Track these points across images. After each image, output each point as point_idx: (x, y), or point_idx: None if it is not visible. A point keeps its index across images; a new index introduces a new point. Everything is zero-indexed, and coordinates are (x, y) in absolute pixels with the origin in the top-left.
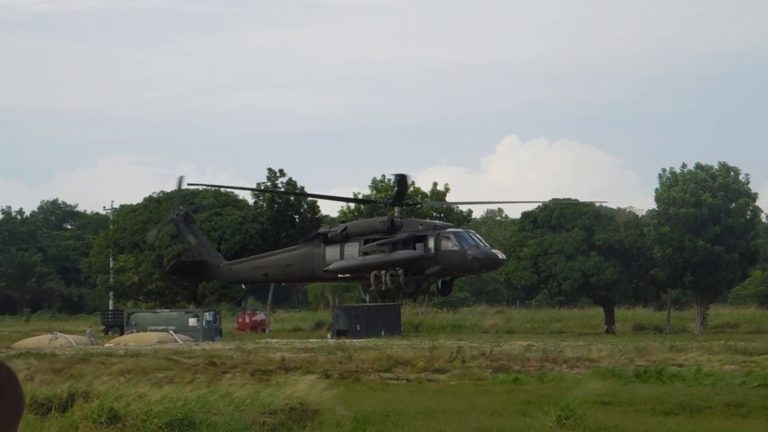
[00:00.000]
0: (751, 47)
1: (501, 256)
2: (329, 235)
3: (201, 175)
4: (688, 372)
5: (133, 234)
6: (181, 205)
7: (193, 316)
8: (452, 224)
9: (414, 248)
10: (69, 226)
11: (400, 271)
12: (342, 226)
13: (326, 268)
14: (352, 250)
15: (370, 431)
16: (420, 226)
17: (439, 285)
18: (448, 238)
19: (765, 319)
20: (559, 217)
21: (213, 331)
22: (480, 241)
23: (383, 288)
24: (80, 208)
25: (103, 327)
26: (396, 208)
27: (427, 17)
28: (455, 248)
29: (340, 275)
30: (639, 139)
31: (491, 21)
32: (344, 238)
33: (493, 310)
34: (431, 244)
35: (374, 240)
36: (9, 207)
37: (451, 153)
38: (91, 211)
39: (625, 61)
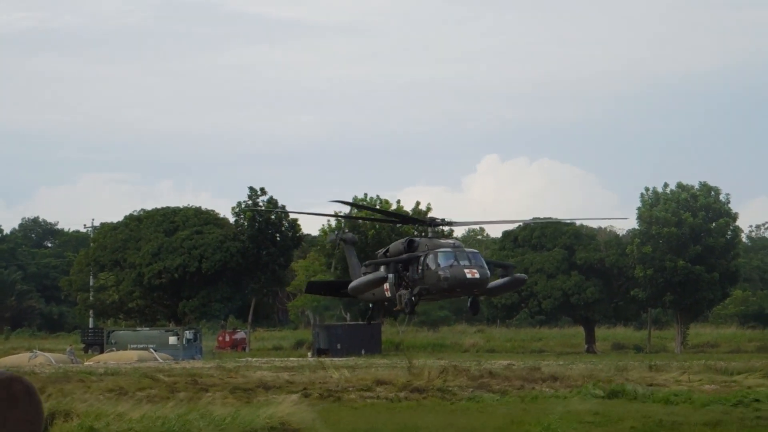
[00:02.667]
0: (729, 67)
1: (472, 275)
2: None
3: (181, 193)
4: (667, 392)
5: (114, 252)
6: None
7: (173, 335)
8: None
9: (408, 269)
10: (49, 244)
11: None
12: (385, 248)
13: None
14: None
15: None
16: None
17: (469, 303)
18: (432, 257)
19: (745, 339)
20: (539, 236)
21: (193, 350)
22: (470, 260)
23: (395, 308)
24: (60, 226)
25: (83, 345)
26: (429, 228)
27: (407, 36)
28: (433, 267)
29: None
30: (619, 158)
31: (471, 40)
32: (385, 258)
33: (473, 329)
34: (420, 263)
35: (394, 261)
36: None
37: (431, 172)
38: (72, 229)
39: (606, 80)
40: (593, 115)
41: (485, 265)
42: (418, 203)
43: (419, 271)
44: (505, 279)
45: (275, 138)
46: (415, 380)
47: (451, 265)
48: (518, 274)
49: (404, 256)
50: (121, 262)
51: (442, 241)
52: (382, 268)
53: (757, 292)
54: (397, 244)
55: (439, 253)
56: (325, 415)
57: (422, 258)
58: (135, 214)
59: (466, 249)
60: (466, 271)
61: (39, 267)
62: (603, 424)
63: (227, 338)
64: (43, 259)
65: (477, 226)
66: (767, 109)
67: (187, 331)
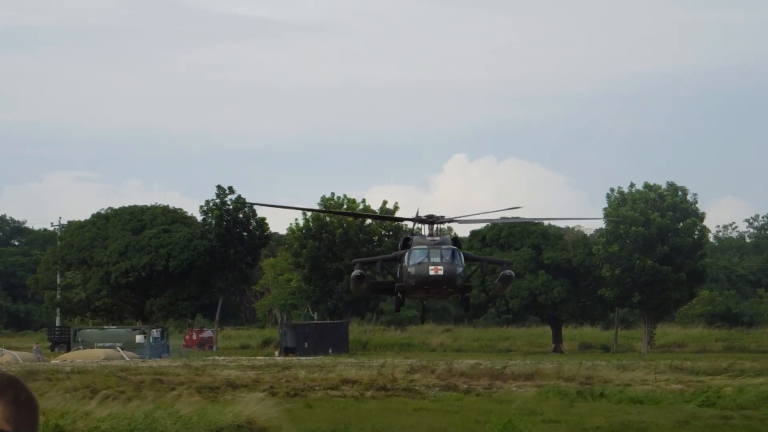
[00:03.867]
0: (696, 68)
1: (435, 272)
2: None
3: (148, 192)
4: (633, 392)
5: (81, 250)
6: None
7: (140, 333)
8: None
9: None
10: (16, 243)
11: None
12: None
13: None
14: None
15: None
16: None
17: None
18: (407, 255)
19: (712, 339)
20: (507, 236)
21: (160, 348)
22: (442, 257)
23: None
24: (28, 225)
25: (50, 343)
26: (426, 226)
27: (377, 37)
28: (406, 265)
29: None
30: (586, 158)
31: (440, 41)
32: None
33: (441, 329)
34: (400, 261)
35: (382, 260)
36: None
37: (399, 171)
38: (39, 228)
39: (573, 81)
40: (561, 115)
41: (456, 263)
42: (385, 202)
43: (399, 269)
44: (498, 277)
45: (244, 136)
46: (382, 379)
47: (419, 263)
48: (504, 271)
49: (392, 254)
50: (89, 261)
51: (428, 239)
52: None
53: (724, 292)
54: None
55: (413, 251)
56: (292, 413)
57: (402, 256)
58: (102, 212)
59: (443, 246)
60: (430, 268)
61: (6, 265)
62: (568, 423)
63: (194, 337)
64: (10, 257)
65: (445, 225)
66: (735, 109)
67: (154, 330)
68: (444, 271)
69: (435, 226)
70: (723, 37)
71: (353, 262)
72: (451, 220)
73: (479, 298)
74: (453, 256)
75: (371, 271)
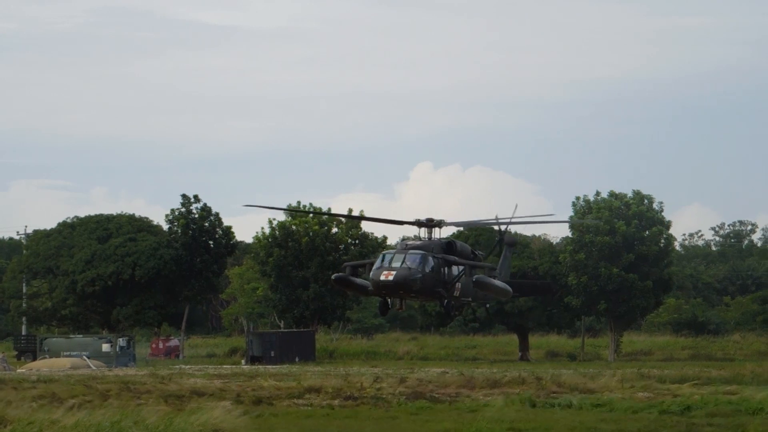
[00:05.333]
0: (661, 75)
1: (385, 277)
2: None
3: (114, 200)
4: (600, 400)
5: (47, 259)
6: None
7: (107, 342)
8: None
9: None
10: None
11: None
12: None
13: None
14: None
15: None
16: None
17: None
18: (377, 259)
19: (678, 347)
20: (473, 244)
21: (126, 357)
22: (404, 262)
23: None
24: None
25: (16, 352)
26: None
27: (343, 43)
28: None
29: None
30: (552, 166)
31: (405, 48)
32: None
33: (407, 337)
34: None
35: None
36: None
37: (365, 179)
38: (4, 236)
39: (538, 88)
40: (526, 123)
41: (414, 269)
42: (350, 210)
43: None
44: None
45: (210, 144)
46: (348, 388)
47: (377, 268)
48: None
49: (370, 259)
50: (55, 270)
51: (404, 244)
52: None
53: (690, 300)
54: None
55: (380, 256)
56: (258, 422)
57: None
58: (68, 221)
59: (409, 252)
60: (383, 273)
61: None
62: (536, 431)
63: (161, 345)
64: None
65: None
66: (700, 117)
67: (121, 339)
68: (394, 277)
69: (434, 229)
70: (691, 45)
71: (344, 265)
72: (451, 224)
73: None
74: (417, 261)
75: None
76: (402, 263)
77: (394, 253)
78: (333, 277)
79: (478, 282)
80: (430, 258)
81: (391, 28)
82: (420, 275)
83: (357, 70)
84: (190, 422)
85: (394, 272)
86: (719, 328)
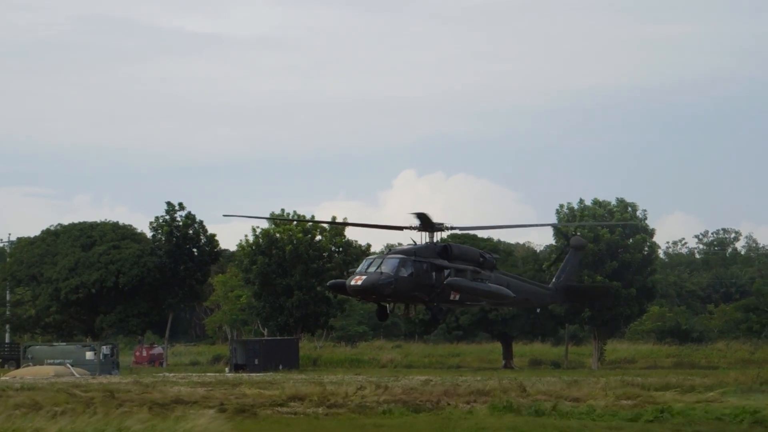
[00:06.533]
0: (643, 83)
1: (354, 282)
2: None
3: (98, 208)
4: (583, 408)
5: (30, 267)
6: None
7: (90, 350)
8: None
9: None
10: None
11: None
12: None
13: None
14: None
15: None
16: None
17: None
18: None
19: (662, 355)
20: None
21: (110, 365)
22: (378, 267)
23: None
24: None
25: None
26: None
27: (326, 51)
28: None
29: None
30: (536, 174)
31: (388, 56)
32: None
33: (391, 345)
34: None
35: None
36: None
37: (348, 187)
38: None
39: (521, 96)
40: (510, 131)
41: (385, 275)
42: (334, 218)
43: None
44: None
45: (193, 152)
46: (332, 396)
47: (355, 273)
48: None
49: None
50: (38, 277)
51: (395, 248)
52: None
53: (674, 308)
54: None
55: (363, 261)
56: (242, 429)
57: None
58: (52, 228)
59: (388, 256)
60: (355, 278)
61: None
62: None
63: (144, 353)
64: None
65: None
66: (684, 126)
67: (104, 347)
68: (363, 282)
69: (435, 234)
70: (675, 54)
71: (350, 270)
72: (450, 228)
73: (429, 314)
74: (393, 266)
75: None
76: (378, 268)
77: (374, 258)
78: (329, 284)
79: (449, 284)
80: (410, 262)
81: (374, 36)
82: (391, 280)
83: (340, 78)
84: (175, 430)
85: (364, 277)
86: (703, 336)
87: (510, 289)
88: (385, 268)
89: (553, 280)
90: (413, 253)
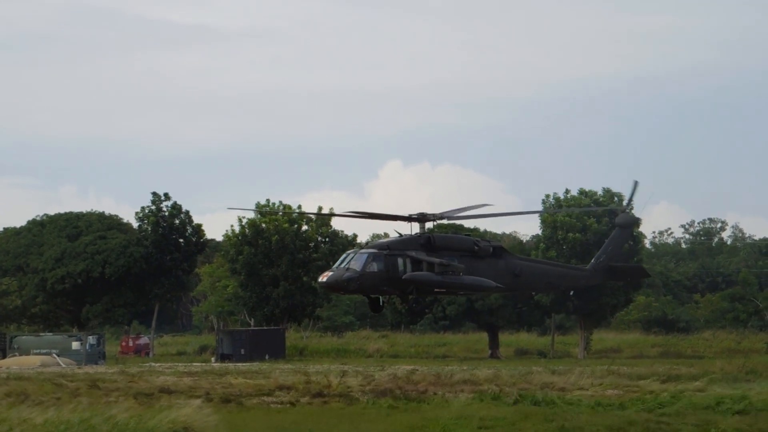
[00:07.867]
0: (631, 72)
1: (322, 278)
2: None
3: (84, 198)
4: (571, 398)
5: (16, 257)
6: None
7: (77, 340)
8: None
9: None
10: None
11: None
12: None
13: None
14: None
15: None
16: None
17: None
18: None
19: (648, 344)
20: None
21: (96, 355)
22: (349, 263)
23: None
24: None
25: None
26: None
27: (311, 43)
28: None
29: None
30: (522, 164)
31: (374, 47)
32: None
33: (377, 335)
34: None
35: None
36: None
37: (334, 177)
38: None
39: (507, 86)
40: (495, 121)
41: (353, 269)
42: (320, 208)
43: None
44: None
45: (179, 142)
46: (317, 386)
47: (334, 267)
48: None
49: None
50: (24, 267)
51: (372, 242)
52: None
53: (660, 297)
54: None
55: (341, 256)
56: (228, 419)
57: None
58: (38, 219)
59: (360, 252)
60: (322, 275)
61: None
62: (503, 429)
63: (131, 343)
64: None
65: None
66: (669, 114)
67: (91, 337)
68: (327, 279)
69: (426, 224)
70: (661, 45)
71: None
72: (441, 217)
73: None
74: (361, 262)
75: None
76: (347, 264)
77: (348, 254)
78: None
79: (407, 279)
80: (381, 257)
81: (360, 28)
82: (356, 276)
83: (325, 69)
84: (160, 420)
85: (329, 274)
86: (689, 326)
87: (522, 274)
88: (353, 264)
89: (592, 260)
90: (387, 247)
